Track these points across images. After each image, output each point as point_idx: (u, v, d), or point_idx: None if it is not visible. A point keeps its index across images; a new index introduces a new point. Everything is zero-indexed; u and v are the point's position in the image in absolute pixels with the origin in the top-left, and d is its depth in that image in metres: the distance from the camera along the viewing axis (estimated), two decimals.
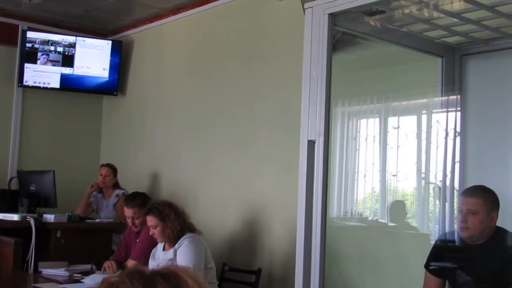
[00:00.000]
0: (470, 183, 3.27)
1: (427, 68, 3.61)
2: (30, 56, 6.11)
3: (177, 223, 3.74)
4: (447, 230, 3.52)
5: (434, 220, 3.80)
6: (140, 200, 4.20)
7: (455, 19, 3.15)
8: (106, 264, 4.10)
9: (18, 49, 6.12)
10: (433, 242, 3.39)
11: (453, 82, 3.57)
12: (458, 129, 3.57)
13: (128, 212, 4.20)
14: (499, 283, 2.72)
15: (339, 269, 3.48)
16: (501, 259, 2.80)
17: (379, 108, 4.06)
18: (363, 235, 4.07)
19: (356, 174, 4.13)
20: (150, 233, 3.79)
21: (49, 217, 4.48)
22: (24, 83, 6.13)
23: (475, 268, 2.97)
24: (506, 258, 2.74)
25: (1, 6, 5.93)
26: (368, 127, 4.16)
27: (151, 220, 3.74)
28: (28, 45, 6.10)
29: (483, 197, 2.89)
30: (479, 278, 2.95)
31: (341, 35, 2.91)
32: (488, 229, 2.89)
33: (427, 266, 3.14)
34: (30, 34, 6.13)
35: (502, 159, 3.30)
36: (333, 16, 2.68)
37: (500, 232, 2.89)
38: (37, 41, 6.13)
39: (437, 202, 3.79)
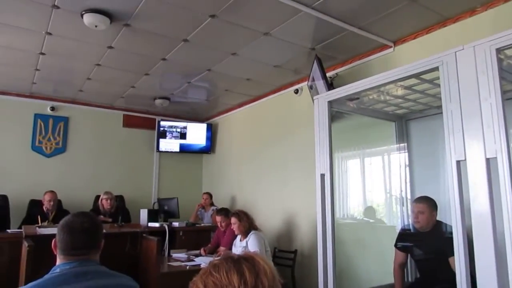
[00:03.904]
0: (417, 195, 3.12)
1: (386, 128, 3.52)
2: (162, 134, 6.27)
3: (247, 223, 3.73)
4: (404, 223, 3.33)
5: (396, 217, 3.62)
6: (225, 212, 4.21)
7: (400, 100, 3.08)
8: (203, 249, 4.16)
9: (156, 131, 6.29)
10: (397, 231, 3.22)
11: (402, 136, 3.47)
12: (407, 163, 3.44)
13: (218, 218, 4.19)
14: (440, 255, 2.54)
15: (342, 249, 3.33)
16: (441, 241, 2.62)
17: (359, 153, 3.97)
18: (355, 228, 3.91)
19: (348, 192, 4.01)
20: (232, 227, 3.79)
21: (175, 224, 4.51)
22: (160, 150, 6.27)
23: (425, 246, 2.80)
24: (444, 240, 2.56)
25: (148, 109, 6.17)
26: (354, 164, 4.06)
27: (233, 219, 3.76)
28: (161, 128, 6.27)
29: (427, 203, 2.76)
30: (427, 252, 2.78)
31: (335, 112, 2.87)
32: (431, 222, 2.75)
33: (395, 245, 2.99)
34: (162, 123, 6.30)
35: (435, 179, 3.14)
36: (330, 102, 2.66)
37: (440, 223, 2.73)
38: (166, 126, 6.30)
39: (397, 206, 3.62)
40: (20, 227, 4.14)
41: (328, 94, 2.71)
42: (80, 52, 3.87)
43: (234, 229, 3.75)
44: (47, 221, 4.37)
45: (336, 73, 4.12)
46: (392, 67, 2.81)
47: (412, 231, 2.95)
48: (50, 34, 3.48)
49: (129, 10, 3.07)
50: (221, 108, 6.10)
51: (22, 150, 5.36)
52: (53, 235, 1.47)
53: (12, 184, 5.07)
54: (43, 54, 3.93)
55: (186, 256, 3.91)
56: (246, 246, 3.61)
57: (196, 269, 3.31)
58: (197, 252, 4.11)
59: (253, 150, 5.52)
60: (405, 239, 2.96)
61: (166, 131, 6.27)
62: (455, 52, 1.91)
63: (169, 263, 3.62)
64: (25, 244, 2.97)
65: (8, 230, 4.00)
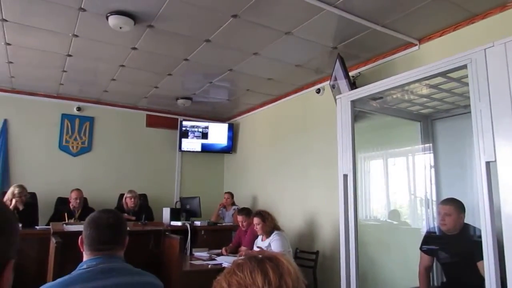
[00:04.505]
0: (443, 197, 3.03)
1: (411, 128, 3.44)
2: (184, 134, 6.33)
3: (271, 224, 3.72)
4: (430, 226, 3.25)
5: (421, 219, 3.54)
6: (246, 212, 4.23)
7: (426, 99, 3.00)
8: (224, 248, 4.17)
9: (178, 131, 6.36)
10: (422, 233, 3.14)
11: (428, 136, 3.38)
12: (432, 164, 3.35)
13: (239, 218, 4.20)
14: (466, 259, 2.46)
15: (365, 251, 3.29)
16: (468, 244, 2.54)
17: (382, 153, 3.89)
18: (378, 230, 3.84)
19: (371, 193, 3.95)
20: (254, 228, 3.78)
21: (197, 223, 4.55)
22: (182, 149, 6.33)
23: (451, 249, 2.72)
24: (472, 243, 2.48)
25: (170, 109, 6.24)
26: (377, 165, 3.99)
27: (256, 220, 3.73)
28: (183, 128, 6.34)
29: (454, 205, 2.68)
30: (454, 256, 2.70)
31: (358, 112, 2.83)
32: (459, 225, 2.66)
33: (421, 248, 2.92)
34: (184, 123, 6.36)
35: (462, 181, 3.05)
36: (353, 102, 2.62)
37: (467, 226, 2.65)
38: (188, 126, 6.37)
39: (422, 208, 3.53)
40: (48, 224, 4.27)
41: (351, 94, 2.68)
42: (105, 53, 3.95)
43: (257, 229, 3.74)
44: (73, 218, 4.49)
45: (359, 72, 4.06)
46: (417, 65, 2.74)
47: (438, 234, 2.87)
48: (76, 36, 3.57)
49: (152, 12, 3.12)
50: (243, 108, 6.12)
51: (50, 149, 5.53)
52: (80, 232, 1.51)
53: (40, 182, 5.24)
54: (70, 55, 4.05)
55: (208, 255, 3.93)
56: (269, 246, 3.60)
57: (218, 268, 3.34)
58: (218, 251, 4.13)
59: (274, 149, 5.50)
60: (430, 242, 2.88)
61: (188, 131, 6.33)
62: (485, 49, 1.85)
63: (191, 262, 3.67)
64: (53, 241, 3.06)
65: (37, 227, 4.14)
